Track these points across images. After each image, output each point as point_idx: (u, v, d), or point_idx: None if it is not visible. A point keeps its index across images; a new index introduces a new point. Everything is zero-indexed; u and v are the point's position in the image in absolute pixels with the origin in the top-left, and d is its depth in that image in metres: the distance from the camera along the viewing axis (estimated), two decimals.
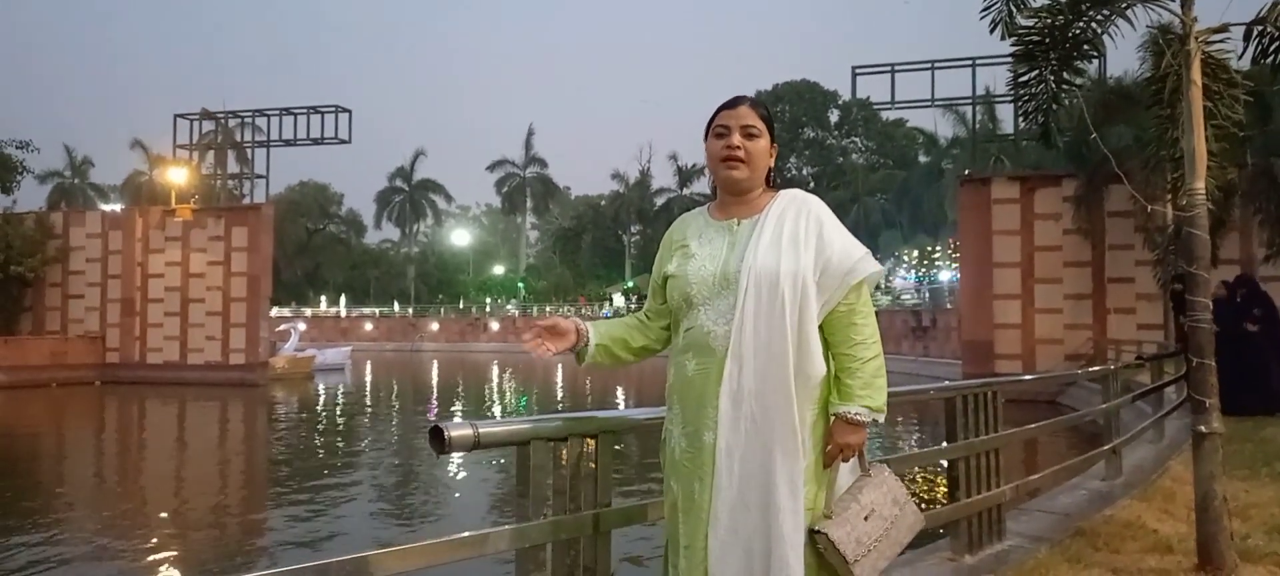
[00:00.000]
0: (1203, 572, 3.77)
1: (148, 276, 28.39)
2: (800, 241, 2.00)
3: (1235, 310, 9.27)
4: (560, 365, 33.19)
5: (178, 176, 30.18)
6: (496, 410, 22.70)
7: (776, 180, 2.17)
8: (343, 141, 31.79)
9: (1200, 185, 3.88)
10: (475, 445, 2.02)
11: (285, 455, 15.56)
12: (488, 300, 60.09)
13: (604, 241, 59.28)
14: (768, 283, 1.96)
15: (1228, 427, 4.23)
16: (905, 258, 46.46)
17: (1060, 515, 4.79)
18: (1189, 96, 3.90)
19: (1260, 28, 4.07)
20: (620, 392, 24.77)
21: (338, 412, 22.42)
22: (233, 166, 33.37)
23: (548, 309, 54.67)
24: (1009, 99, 26.65)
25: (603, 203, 60.30)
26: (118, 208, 34.30)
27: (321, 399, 25.28)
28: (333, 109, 31.88)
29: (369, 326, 54.06)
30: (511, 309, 56.53)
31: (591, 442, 2.29)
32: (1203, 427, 3.88)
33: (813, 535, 1.93)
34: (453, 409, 22.54)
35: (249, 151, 32.79)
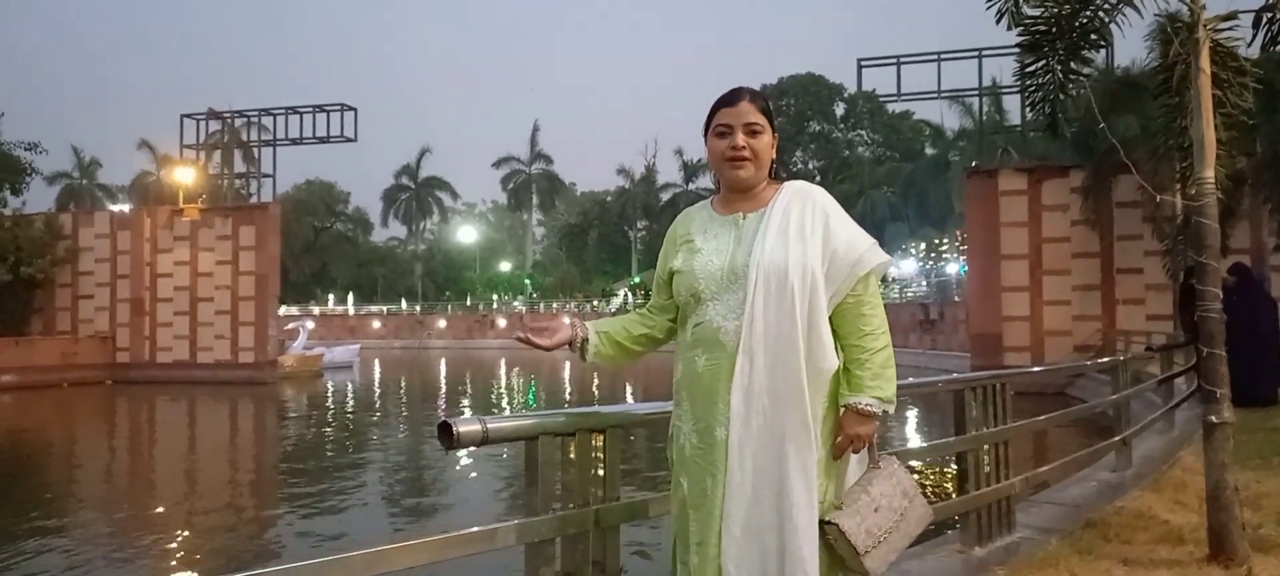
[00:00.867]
0: (1215, 563, 3.76)
1: (156, 276, 28.52)
2: (807, 234, 1.99)
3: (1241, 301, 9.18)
4: (567, 363, 33.26)
5: (185, 176, 30.29)
6: (504, 406, 22.74)
7: (780, 172, 2.16)
8: (349, 140, 31.87)
9: (1209, 174, 3.85)
10: (483, 440, 2.03)
11: (295, 452, 15.62)
12: (494, 297, 60.18)
13: (610, 237, 59.32)
14: (777, 276, 1.95)
15: (1238, 418, 4.21)
16: (912, 250, 46.30)
17: (1070, 506, 4.77)
18: (1197, 84, 3.88)
19: (1270, 14, 4.04)
20: (629, 389, 24.78)
21: (347, 410, 22.50)
22: (240, 166, 33.52)
23: (554, 305, 54.75)
24: (1015, 90, 26.49)
25: (608, 198, 60.28)
26: (126, 208, 34.48)
27: (330, 396, 25.37)
28: (339, 107, 31.96)
29: (377, 324, 54.24)
30: (518, 305, 56.60)
31: (599, 437, 2.29)
32: (1213, 418, 3.87)
33: (823, 526, 1.92)
34: (461, 405, 22.60)
35: (256, 150, 32.90)
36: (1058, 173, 21.29)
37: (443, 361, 39.83)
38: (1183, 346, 8.87)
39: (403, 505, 10.78)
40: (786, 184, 2.10)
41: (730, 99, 2.09)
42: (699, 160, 53.56)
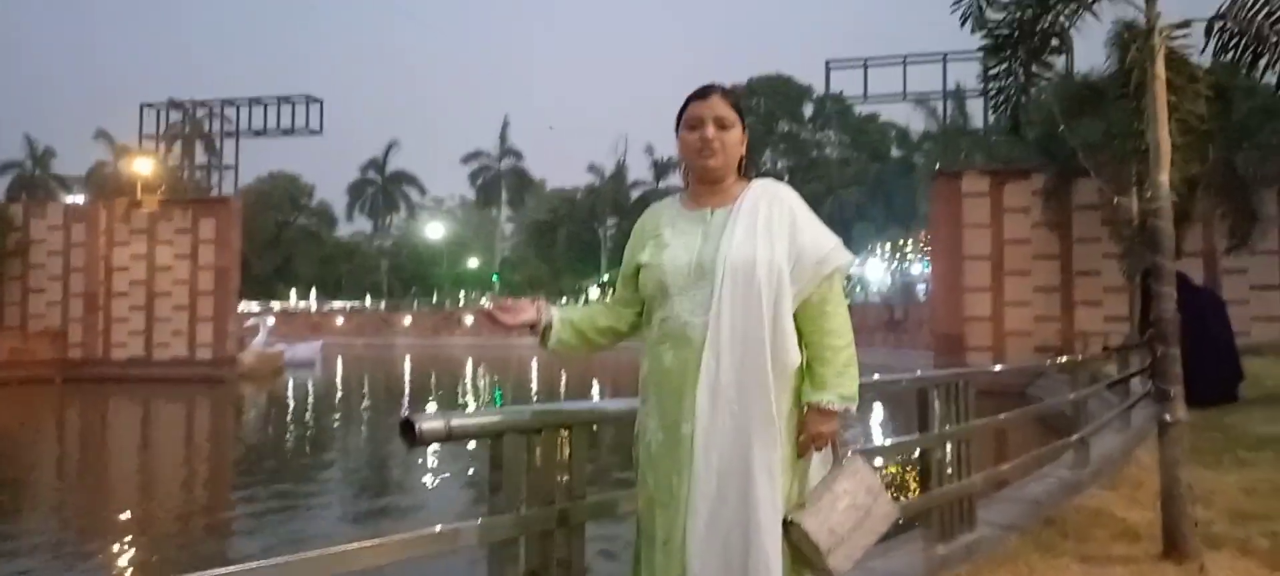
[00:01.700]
0: (1168, 559, 3.85)
1: (112, 270, 27.85)
2: (774, 231, 1.99)
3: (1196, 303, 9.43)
4: (534, 360, 33.09)
5: (144, 167, 29.61)
6: (470, 404, 22.57)
7: (749, 171, 2.16)
8: (314, 132, 31.43)
9: (1164, 177, 3.94)
10: (447, 437, 2.00)
11: (253, 452, 15.35)
12: (462, 294, 59.70)
13: (579, 235, 59.12)
14: (744, 272, 1.95)
15: (1192, 417, 4.31)
16: (878, 251, 46.83)
17: (1030, 503, 4.85)
18: (1153, 90, 3.96)
19: (1221, 23, 4.14)
20: (595, 387, 24.74)
21: (308, 408, 22.17)
22: (201, 157, 32.88)
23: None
24: (980, 94, 27.01)
25: (578, 196, 60.11)
26: (81, 199, 33.62)
27: (291, 394, 24.98)
28: (303, 99, 31.50)
29: (340, 321, 53.55)
30: (486, 303, 56.14)
31: (565, 434, 2.27)
32: (1168, 416, 3.96)
33: (787, 525, 1.92)
34: (425, 403, 22.38)
35: (217, 142, 32.28)
36: (1020, 175, 21.67)
37: (407, 359, 39.42)
38: (1139, 347, 9.07)
39: (365, 505, 10.64)
40: (755, 182, 2.10)
41: (702, 93, 2.09)
42: (669, 158, 53.59)
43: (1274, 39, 3.98)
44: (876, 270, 46.96)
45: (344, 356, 40.47)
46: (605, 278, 53.13)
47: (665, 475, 1.99)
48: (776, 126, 57.02)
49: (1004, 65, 4.69)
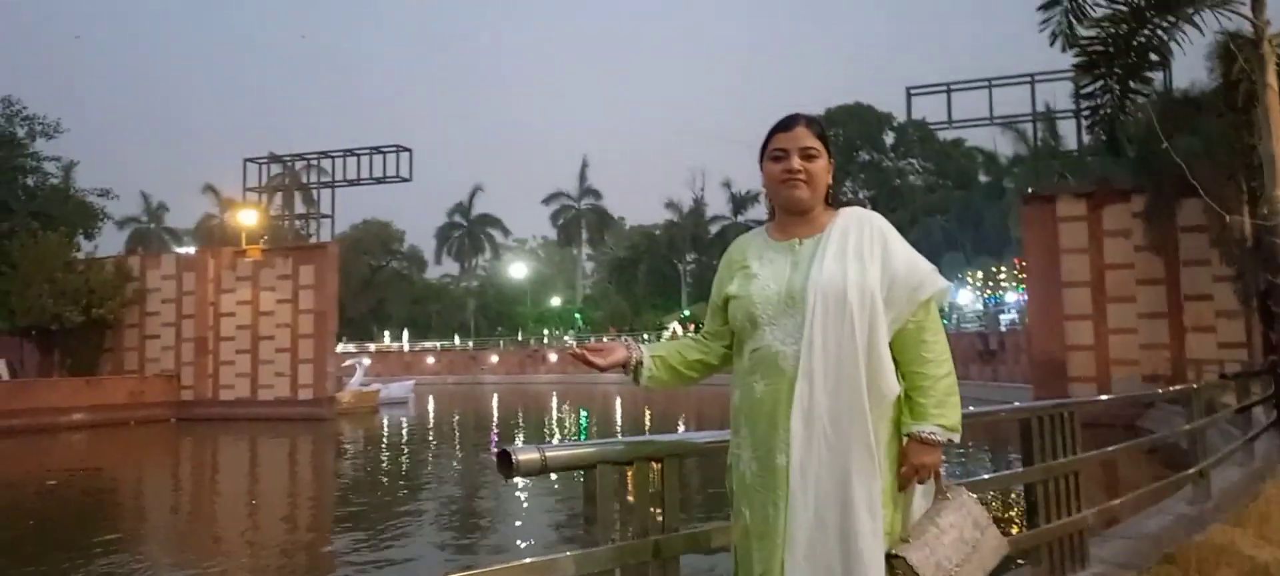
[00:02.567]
0: None
1: (220, 315, 29.43)
2: (866, 256, 1.97)
3: None
4: (619, 397, 33.23)
5: (247, 218, 31.35)
6: (557, 438, 22.79)
7: (837, 200, 2.14)
8: (404, 179, 32.67)
9: None
10: (542, 469, 2.03)
11: (354, 486, 15.86)
12: (546, 331, 60.62)
13: (659, 270, 59.42)
14: (835, 298, 1.93)
15: None
16: (969, 279, 45.38)
17: (1147, 540, 4.57)
18: (1265, 101, 3.76)
19: None
20: (681, 420, 24.64)
21: (404, 444, 22.80)
22: (299, 207, 34.59)
23: (604, 338, 54.81)
24: (1070, 114, 26.08)
25: (657, 232, 60.51)
26: (191, 250, 35.76)
27: (387, 431, 25.75)
28: (393, 148, 32.82)
29: (431, 360, 55.01)
30: (569, 339, 56.88)
31: (657, 466, 2.28)
32: None
33: (891, 560, 1.87)
34: (515, 438, 22.72)
35: (315, 192, 33.96)
36: (1118, 197, 20.69)
37: (495, 395, 40.14)
38: (1261, 374, 8.49)
39: (461, 537, 10.84)
40: (844, 210, 2.08)
41: (786, 124, 2.08)
42: (747, 192, 53.53)
43: None
44: (967, 298, 45.46)
45: (435, 394, 41.49)
46: (686, 312, 53.08)
47: (761, 506, 1.96)
48: (857, 156, 56.26)
49: (1099, 82, 4.54)
